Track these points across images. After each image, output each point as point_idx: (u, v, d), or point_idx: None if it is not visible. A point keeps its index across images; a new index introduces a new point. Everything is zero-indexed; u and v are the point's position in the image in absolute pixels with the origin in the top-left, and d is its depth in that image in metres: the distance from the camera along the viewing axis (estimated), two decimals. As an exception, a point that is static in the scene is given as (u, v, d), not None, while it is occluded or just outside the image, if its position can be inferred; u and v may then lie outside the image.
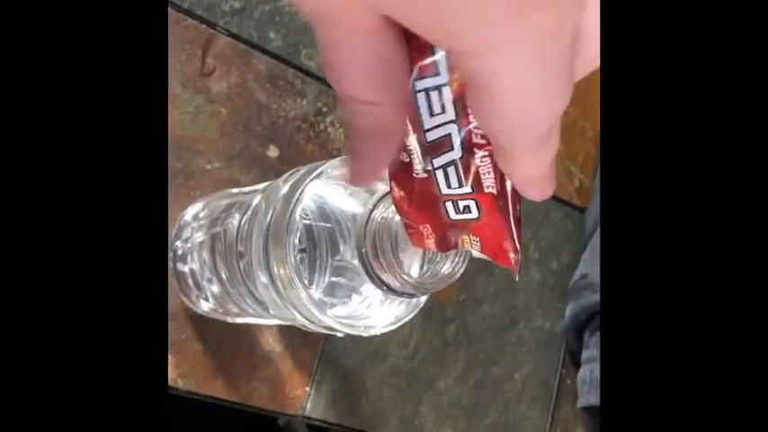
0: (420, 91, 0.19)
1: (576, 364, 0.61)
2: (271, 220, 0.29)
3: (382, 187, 0.27)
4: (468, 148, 0.20)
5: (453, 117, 0.20)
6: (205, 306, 0.42)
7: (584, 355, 0.59)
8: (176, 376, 0.43)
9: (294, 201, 0.28)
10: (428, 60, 0.19)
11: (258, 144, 0.47)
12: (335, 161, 0.30)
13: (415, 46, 0.19)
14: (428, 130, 0.20)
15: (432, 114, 0.20)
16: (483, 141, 0.20)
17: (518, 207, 0.22)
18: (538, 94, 0.16)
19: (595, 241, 0.60)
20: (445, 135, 0.20)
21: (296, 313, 0.30)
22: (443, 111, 0.20)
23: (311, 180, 0.29)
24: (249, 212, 0.33)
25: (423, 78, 0.19)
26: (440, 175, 0.21)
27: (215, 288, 0.40)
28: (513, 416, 0.58)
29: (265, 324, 0.46)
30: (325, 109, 0.50)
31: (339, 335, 0.30)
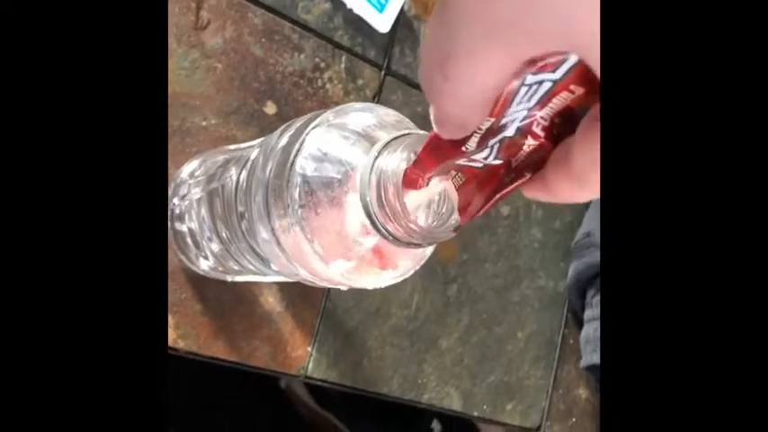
0: (526, 84, 0.19)
1: (579, 323, 0.60)
2: (270, 173, 0.28)
3: (384, 136, 0.26)
4: (524, 132, 0.21)
5: (530, 106, 0.20)
6: (204, 265, 0.41)
7: (587, 314, 0.59)
8: (176, 337, 0.43)
9: (294, 151, 0.27)
10: (557, 59, 0.18)
11: (255, 100, 0.46)
12: (335, 109, 0.29)
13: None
14: (507, 116, 0.20)
15: (519, 103, 0.19)
16: (541, 133, 0.21)
17: (508, 190, 0.23)
18: None
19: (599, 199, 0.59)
20: (514, 119, 0.20)
21: (299, 267, 0.29)
22: (529, 101, 0.19)
23: (311, 129, 0.28)
24: (247, 167, 0.32)
25: (538, 74, 0.18)
26: (485, 150, 0.22)
27: (215, 246, 0.39)
28: (516, 375, 0.57)
29: (266, 283, 0.46)
30: (323, 64, 0.49)
31: (342, 288, 0.29)
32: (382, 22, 0.50)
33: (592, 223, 0.59)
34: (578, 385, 0.61)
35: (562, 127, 0.20)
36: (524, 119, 0.20)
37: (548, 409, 0.59)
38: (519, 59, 0.17)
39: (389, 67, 0.51)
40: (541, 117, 0.20)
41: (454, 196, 0.25)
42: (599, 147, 0.18)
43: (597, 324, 0.58)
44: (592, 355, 0.57)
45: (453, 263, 0.55)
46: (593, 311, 0.58)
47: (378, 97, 0.51)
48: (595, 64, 0.16)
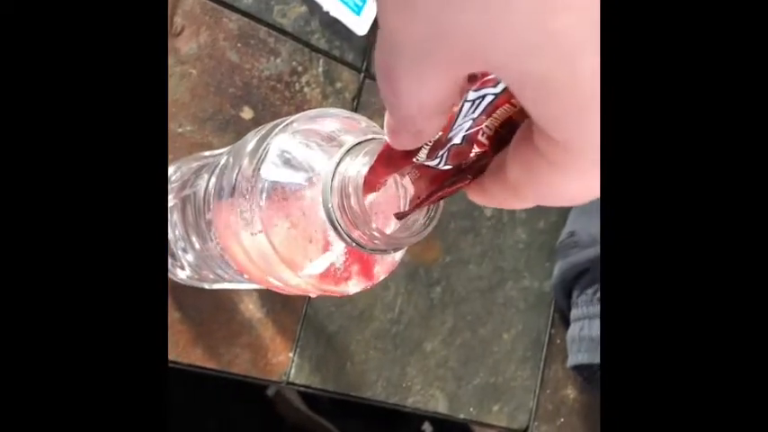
0: (469, 101, 0.19)
1: (566, 323, 0.60)
2: (236, 178, 0.28)
3: (350, 140, 0.26)
4: (470, 140, 0.21)
5: (476, 116, 0.20)
6: (182, 274, 0.41)
7: (573, 313, 0.59)
8: (155, 345, 0.42)
9: (259, 157, 0.27)
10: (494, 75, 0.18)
11: (231, 106, 0.46)
12: (304, 114, 0.28)
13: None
14: (454, 129, 0.20)
15: (465, 116, 0.20)
16: (486, 142, 0.21)
17: (448, 191, 0.23)
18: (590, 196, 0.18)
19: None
20: (460, 130, 0.21)
21: (266, 275, 0.29)
22: (474, 112, 0.20)
23: (276, 134, 0.27)
24: (217, 172, 0.32)
25: (480, 89, 0.19)
26: (435, 160, 0.22)
27: (190, 257, 0.38)
28: (503, 376, 0.57)
29: (245, 290, 0.45)
30: (300, 68, 0.48)
31: (312, 295, 0.29)
32: (360, 25, 0.50)
33: (575, 223, 0.58)
34: (566, 385, 0.61)
35: (506, 137, 0.21)
36: (470, 128, 0.21)
37: (535, 409, 0.59)
38: (452, 79, 0.17)
39: (368, 70, 0.51)
40: (486, 127, 0.21)
41: (410, 188, 0.25)
42: (528, 160, 0.18)
43: (583, 323, 0.57)
44: (578, 355, 0.57)
45: (437, 265, 0.54)
46: (579, 311, 0.58)
47: (357, 100, 0.51)
48: (512, 84, 0.16)
